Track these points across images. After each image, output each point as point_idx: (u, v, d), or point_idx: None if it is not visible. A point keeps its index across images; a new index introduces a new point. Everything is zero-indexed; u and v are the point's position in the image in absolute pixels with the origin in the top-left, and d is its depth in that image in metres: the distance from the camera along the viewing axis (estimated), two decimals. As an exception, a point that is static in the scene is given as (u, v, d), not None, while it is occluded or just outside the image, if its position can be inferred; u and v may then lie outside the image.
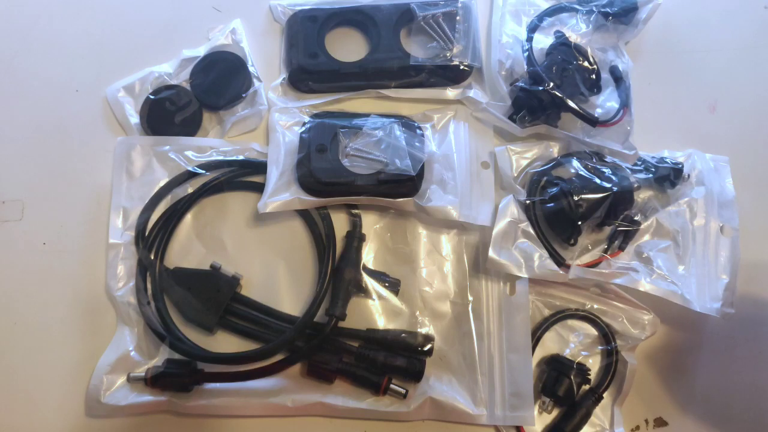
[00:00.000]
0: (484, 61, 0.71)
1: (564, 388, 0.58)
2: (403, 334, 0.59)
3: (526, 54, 0.66)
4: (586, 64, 0.66)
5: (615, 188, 0.60)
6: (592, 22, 0.68)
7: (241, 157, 0.66)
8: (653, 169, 0.64)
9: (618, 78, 0.67)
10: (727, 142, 0.70)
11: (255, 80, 0.69)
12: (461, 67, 0.69)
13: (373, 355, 0.58)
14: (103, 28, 0.73)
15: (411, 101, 0.69)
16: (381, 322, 0.60)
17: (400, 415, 0.58)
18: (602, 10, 0.69)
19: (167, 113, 0.67)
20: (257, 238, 0.64)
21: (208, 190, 0.64)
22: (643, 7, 0.71)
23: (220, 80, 0.68)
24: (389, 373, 0.58)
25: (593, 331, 0.62)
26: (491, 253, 0.59)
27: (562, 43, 0.67)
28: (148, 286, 0.61)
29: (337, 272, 0.60)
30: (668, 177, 0.64)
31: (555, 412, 0.60)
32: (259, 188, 0.63)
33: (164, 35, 0.73)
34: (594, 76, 0.66)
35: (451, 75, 0.69)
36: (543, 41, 0.68)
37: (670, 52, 0.75)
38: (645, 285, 0.59)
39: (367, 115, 0.66)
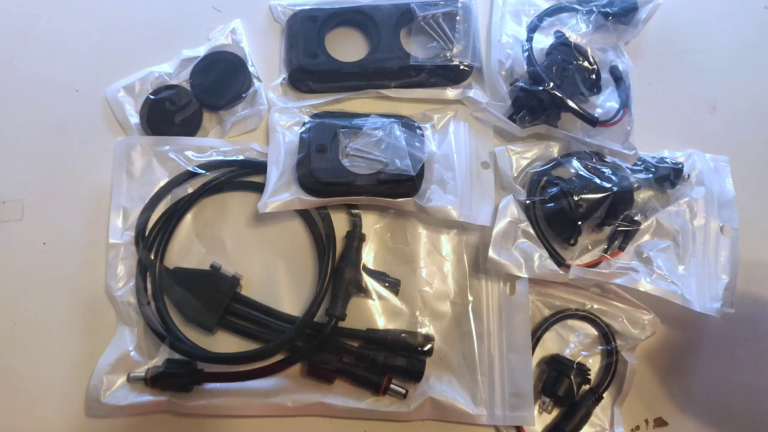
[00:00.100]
0: (484, 61, 0.71)
1: (564, 388, 0.58)
2: (403, 334, 0.59)
3: (526, 54, 0.66)
4: (586, 64, 0.66)
5: (615, 188, 0.60)
6: (592, 22, 0.68)
7: (241, 157, 0.66)
8: (653, 169, 0.64)
9: (618, 78, 0.67)
10: (727, 142, 0.70)
11: (255, 80, 0.69)
12: (461, 67, 0.69)
13: (373, 355, 0.58)
14: (103, 28, 0.73)
15: (411, 101, 0.69)
16: (381, 322, 0.60)
17: (400, 415, 0.58)
18: (602, 10, 0.69)
19: (167, 113, 0.67)
20: (257, 238, 0.64)
21: (208, 190, 0.64)
22: (643, 7, 0.71)
23: (220, 80, 0.68)
24: (389, 373, 0.58)
25: (593, 331, 0.62)
26: (491, 253, 0.59)
27: (562, 43, 0.67)
28: (148, 286, 0.61)
29: (337, 272, 0.60)
30: (668, 177, 0.64)
31: (555, 412, 0.60)
32: (259, 188, 0.63)
33: (164, 35, 0.73)
34: (594, 76, 0.66)
35: (451, 75, 0.69)
36: (543, 41, 0.68)
37: (670, 52, 0.75)
38: (645, 285, 0.59)
39: (367, 115, 0.66)
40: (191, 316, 0.60)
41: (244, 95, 0.68)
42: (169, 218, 0.63)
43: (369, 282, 0.61)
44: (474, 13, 0.72)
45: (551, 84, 0.63)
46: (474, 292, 0.62)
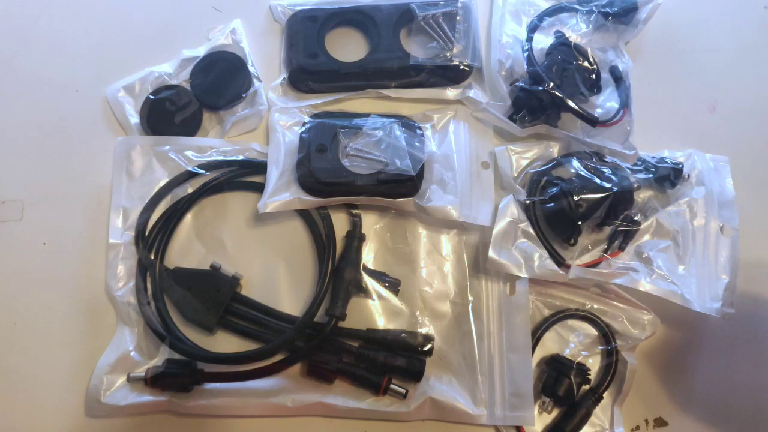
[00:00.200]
0: (484, 61, 0.71)
1: (564, 388, 0.58)
2: (403, 334, 0.59)
3: (526, 54, 0.66)
4: (586, 64, 0.66)
5: (615, 188, 0.60)
6: (592, 22, 0.68)
7: (241, 157, 0.66)
8: (653, 169, 0.64)
9: (618, 78, 0.67)
10: (727, 142, 0.70)
11: (255, 80, 0.69)
12: (461, 67, 0.69)
13: (373, 355, 0.58)
14: (103, 28, 0.73)
15: (411, 101, 0.69)
16: (381, 322, 0.60)
17: (400, 415, 0.58)
18: (602, 10, 0.69)
19: (167, 113, 0.67)
20: (257, 238, 0.64)
21: (208, 190, 0.64)
22: (643, 7, 0.71)
23: (220, 80, 0.68)
24: (389, 373, 0.58)
25: (593, 331, 0.62)
26: (491, 253, 0.59)
27: (562, 43, 0.67)
28: (148, 286, 0.61)
29: (337, 272, 0.60)
30: (668, 177, 0.64)
31: (555, 412, 0.60)
32: (259, 188, 0.63)
33: (164, 35, 0.73)
34: (594, 76, 0.66)
35: (451, 75, 0.69)
36: (543, 41, 0.69)
37: (670, 52, 0.75)
38: (645, 285, 0.59)
39: (367, 115, 0.66)
40: (191, 316, 0.60)
41: (244, 95, 0.68)
42: (169, 218, 0.63)
43: (369, 282, 0.61)
44: (474, 13, 0.72)
45: (551, 84, 0.63)
46: (474, 292, 0.62)
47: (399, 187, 0.62)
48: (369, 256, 0.63)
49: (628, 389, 0.60)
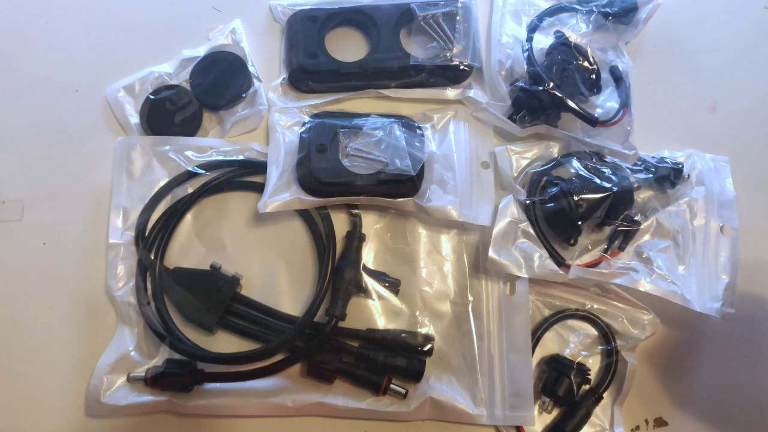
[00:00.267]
0: (484, 61, 0.71)
1: (564, 388, 0.58)
2: (403, 334, 0.59)
3: (526, 54, 0.66)
4: (586, 64, 0.66)
5: (615, 188, 0.60)
6: (592, 22, 0.68)
7: (241, 157, 0.66)
8: (653, 169, 0.64)
9: (618, 78, 0.67)
10: (727, 142, 0.70)
11: (255, 80, 0.69)
12: (461, 67, 0.69)
13: (373, 355, 0.58)
14: (103, 28, 0.73)
15: (411, 101, 0.69)
16: (381, 322, 0.60)
17: (400, 415, 0.58)
18: (602, 10, 0.69)
19: (167, 113, 0.67)
20: (257, 238, 0.64)
21: (208, 190, 0.64)
22: (643, 7, 0.71)
23: (220, 80, 0.68)
24: (389, 373, 0.58)
25: (593, 331, 0.62)
26: (491, 253, 0.59)
27: (562, 43, 0.67)
28: (148, 286, 0.61)
29: (337, 272, 0.60)
30: (668, 177, 0.64)
31: (555, 412, 0.60)
32: (259, 188, 0.63)
33: (164, 35, 0.73)
34: (594, 76, 0.66)
35: (451, 75, 0.69)
36: (543, 41, 0.69)
37: (670, 52, 0.75)
38: (645, 285, 0.59)
39: (367, 115, 0.66)
40: (191, 316, 0.60)
41: (244, 95, 0.68)
42: (169, 218, 0.63)
43: (369, 282, 0.61)
44: (474, 13, 0.72)
45: (551, 84, 0.63)
46: (474, 292, 0.62)
47: (399, 187, 0.62)
48: (369, 256, 0.63)
49: (628, 389, 0.60)
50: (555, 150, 0.66)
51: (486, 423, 0.58)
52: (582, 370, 0.59)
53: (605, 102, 0.67)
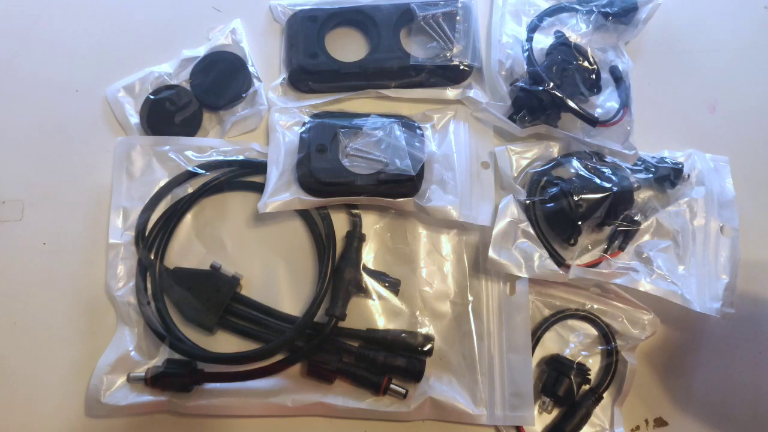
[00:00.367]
0: (484, 61, 0.71)
1: (564, 388, 0.58)
2: (403, 334, 0.59)
3: (526, 54, 0.66)
4: (586, 64, 0.66)
5: (615, 188, 0.60)
6: (592, 22, 0.68)
7: (241, 157, 0.66)
8: (653, 169, 0.64)
9: (618, 78, 0.67)
10: (727, 142, 0.70)
11: (255, 80, 0.69)
12: (461, 67, 0.69)
13: (373, 355, 0.58)
14: (103, 28, 0.73)
15: (411, 101, 0.69)
16: (381, 322, 0.60)
17: (400, 415, 0.58)
18: (602, 10, 0.69)
19: (167, 113, 0.67)
20: (257, 238, 0.64)
21: (208, 190, 0.64)
22: (643, 7, 0.71)
23: (220, 80, 0.68)
24: (389, 373, 0.58)
25: (593, 331, 0.62)
26: (491, 253, 0.59)
27: (562, 43, 0.67)
28: (148, 286, 0.61)
29: (337, 272, 0.60)
30: (668, 177, 0.64)
31: (555, 412, 0.60)
32: (259, 188, 0.63)
33: (164, 35, 0.73)
34: (594, 76, 0.66)
35: (451, 75, 0.69)
36: (543, 41, 0.69)
37: (670, 52, 0.75)
38: (645, 285, 0.59)
39: (367, 115, 0.66)
40: (191, 316, 0.60)
41: (244, 95, 0.68)
42: (169, 218, 0.63)
43: (369, 282, 0.61)
44: (474, 13, 0.72)
45: (551, 84, 0.63)
46: (474, 292, 0.62)
47: (399, 187, 0.62)
48: (369, 256, 0.63)
49: (628, 389, 0.60)
50: (555, 150, 0.66)
51: (486, 423, 0.58)
52: (582, 370, 0.59)
53: (605, 102, 0.67)
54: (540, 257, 0.59)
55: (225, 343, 0.60)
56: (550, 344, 0.62)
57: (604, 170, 0.62)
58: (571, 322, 0.62)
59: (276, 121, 0.66)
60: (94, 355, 0.59)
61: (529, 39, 0.68)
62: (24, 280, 0.62)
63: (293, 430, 0.58)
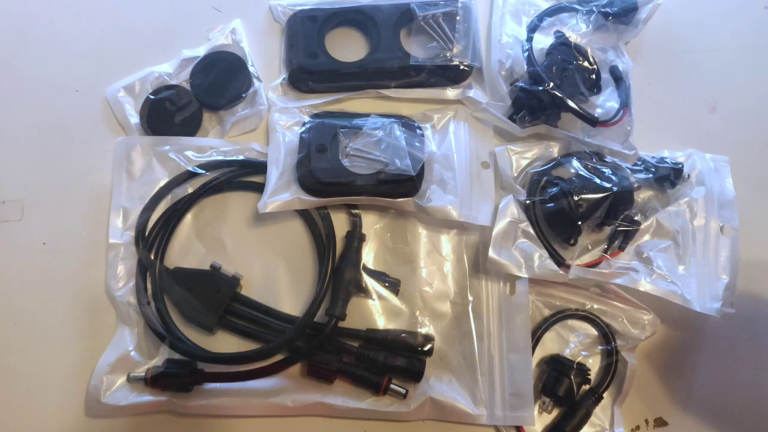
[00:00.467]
0: (484, 61, 0.71)
1: (564, 388, 0.58)
2: (403, 334, 0.59)
3: (526, 54, 0.66)
4: (586, 64, 0.66)
5: (615, 188, 0.60)
6: (592, 22, 0.68)
7: (241, 157, 0.66)
8: (653, 169, 0.64)
9: (618, 78, 0.67)
10: (727, 142, 0.70)
11: (255, 80, 0.69)
12: (461, 67, 0.69)
13: (373, 355, 0.58)
14: (103, 28, 0.73)
15: (411, 101, 0.69)
16: (381, 322, 0.60)
17: (400, 415, 0.58)
18: (602, 10, 0.69)
19: (167, 113, 0.67)
20: (257, 238, 0.64)
21: (208, 190, 0.64)
22: (643, 7, 0.71)
23: (220, 80, 0.68)
24: (389, 373, 0.58)
25: (593, 331, 0.62)
26: (491, 253, 0.59)
27: (562, 43, 0.67)
28: (148, 286, 0.61)
29: (337, 272, 0.60)
30: (668, 177, 0.64)
31: (555, 412, 0.60)
32: (259, 188, 0.63)
33: (164, 35, 0.73)
34: (594, 76, 0.66)
35: (451, 75, 0.69)
36: (543, 41, 0.69)
37: (670, 52, 0.75)
38: (645, 285, 0.59)
39: (367, 115, 0.66)
40: (191, 316, 0.60)
41: (244, 95, 0.68)
42: (169, 218, 0.63)
43: (369, 282, 0.61)
44: (474, 13, 0.72)
45: (551, 84, 0.63)
46: (474, 292, 0.62)
47: (399, 187, 0.62)
48: (369, 256, 0.63)
49: (628, 389, 0.60)
50: (555, 150, 0.66)
51: (486, 423, 0.58)
52: (582, 370, 0.59)
53: (605, 102, 0.67)
54: (540, 257, 0.59)
55: (225, 343, 0.60)
56: (550, 344, 0.62)
57: (604, 170, 0.62)
58: (571, 322, 0.62)
59: (276, 121, 0.66)
60: (94, 355, 0.59)
61: (529, 39, 0.68)
62: (24, 280, 0.62)
63: (293, 430, 0.58)
